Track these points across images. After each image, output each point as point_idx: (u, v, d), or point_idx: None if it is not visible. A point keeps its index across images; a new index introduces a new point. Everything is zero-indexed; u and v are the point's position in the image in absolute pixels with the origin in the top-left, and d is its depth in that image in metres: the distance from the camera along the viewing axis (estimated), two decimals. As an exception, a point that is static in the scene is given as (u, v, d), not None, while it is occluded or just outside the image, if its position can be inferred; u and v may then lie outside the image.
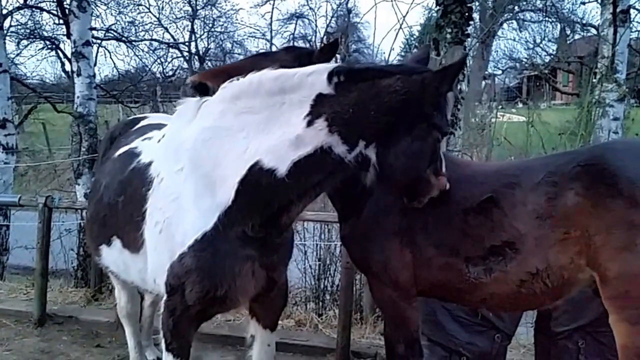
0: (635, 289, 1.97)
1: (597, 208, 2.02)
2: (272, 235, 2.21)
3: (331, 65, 2.06)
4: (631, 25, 6.36)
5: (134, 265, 2.47)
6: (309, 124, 1.99)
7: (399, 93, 1.94)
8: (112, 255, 2.65)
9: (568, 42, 19.08)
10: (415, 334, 2.48)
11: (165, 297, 2.23)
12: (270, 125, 2.05)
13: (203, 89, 2.34)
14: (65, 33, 6.21)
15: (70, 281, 5.39)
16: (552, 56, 20.11)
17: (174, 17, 16.11)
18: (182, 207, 2.17)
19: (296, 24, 18.26)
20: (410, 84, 1.96)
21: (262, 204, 2.10)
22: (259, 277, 2.22)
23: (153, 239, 2.27)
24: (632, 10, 6.56)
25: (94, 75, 5.75)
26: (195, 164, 2.17)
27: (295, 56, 2.28)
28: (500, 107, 10.20)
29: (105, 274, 4.69)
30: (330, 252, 4.80)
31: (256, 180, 2.05)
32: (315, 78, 2.00)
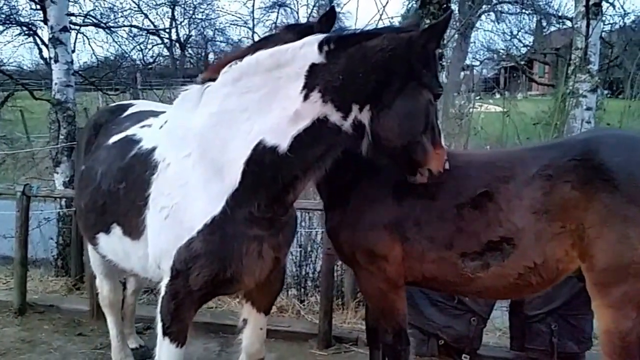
0: (623, 277, 2.03)
1: (593, 202, 2.06)
2: (279, 213, 2.24)
3: (321, 35, 2.09)
4: (603, 18, 6.54)
5: (134, 253, 2.45)
6: (306, 97, 2.03)
7: (385, 51, 1.98)
8: (111, 243, 2.61)
9: (544, 34, 19.37)
10: (402, 324, 2.49)
11: (167, 281, 2.22)
12: (270, 102, 2.09)
13: None
14: (42, 19, 6.01)
15: (50, 270, 5.34)
16: (528, 48, 20.42)
17: (154, 3, 15.75)
18: (191, 192, 2.18)
19: (278, 12, 18.10)
20: (397, 41, 1.99)
21: (268, 181, 2.13)
22: (267, 257, 2.24)
23: (157, 224, 2.26)
24: (604, 3, 6.75)
25: (72, 62, 5.61)
26: (203, 150, 2.19)
27: (297, 32, 2.26)
28: (478, 97, 10.35)
29: (85, 262, 4.67)
30: (311, 239, 4.86)
31: (260, 159, 2.09)
32: (307, 49, 2.04)
